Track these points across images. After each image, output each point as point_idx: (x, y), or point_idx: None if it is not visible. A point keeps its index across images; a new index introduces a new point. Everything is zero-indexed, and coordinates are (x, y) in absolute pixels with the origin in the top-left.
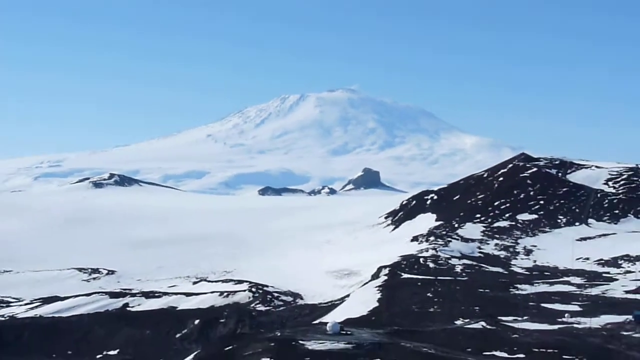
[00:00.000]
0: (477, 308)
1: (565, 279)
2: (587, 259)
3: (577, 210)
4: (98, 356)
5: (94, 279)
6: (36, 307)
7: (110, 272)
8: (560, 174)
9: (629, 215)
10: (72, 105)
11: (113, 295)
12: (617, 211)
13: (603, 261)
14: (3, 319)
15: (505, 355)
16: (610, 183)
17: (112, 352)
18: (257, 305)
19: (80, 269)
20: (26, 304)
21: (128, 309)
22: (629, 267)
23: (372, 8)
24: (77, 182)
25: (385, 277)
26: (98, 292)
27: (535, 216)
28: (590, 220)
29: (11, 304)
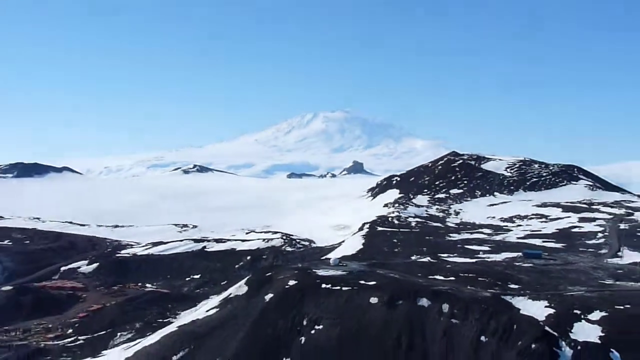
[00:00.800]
0: (424, 248)
1: (480, 230)
2: (493, 217)
3: (487, 187)
4: (187, 278)
5: (184, 230)
6: (148, 248)
7: (194, 227)
8: (476, 164)
9: (520, 190)
10: (171, 115)
11: (196, 241)
12: (512, 187)
13: (503, 219)
14: (129, 255)
15: (442, 277)
16: (508, 169)
17: (195, 276)
18: (286, 247)
19: (175, 224)
20: (142, 247)
21: (205, 249)
22: (519, 222)
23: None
24: (172, 170)
25: (367, 229)
26: (187, 239)
27: (461, 191)
28: (495, 193)
29: (133, 246)
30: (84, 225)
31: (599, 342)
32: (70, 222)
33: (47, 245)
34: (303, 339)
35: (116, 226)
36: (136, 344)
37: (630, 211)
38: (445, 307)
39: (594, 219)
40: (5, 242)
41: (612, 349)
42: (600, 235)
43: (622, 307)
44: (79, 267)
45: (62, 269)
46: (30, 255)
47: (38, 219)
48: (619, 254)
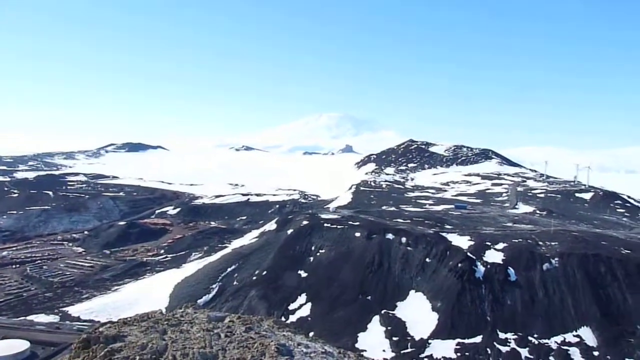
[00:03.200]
0: (391, 202)
1: (427, 190)
2: (436, 182)
3: (432, 162)
4: (237, 219)
5: (235, 188)
6: (212, 199)
7: (242, 185)
8: (426, 147)
9: (453, 164)
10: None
11: (243, 194)
12: (448, 163)
13: (442, 183)
14: (199, 203)
15: (402, 220)
16: (446, 151)
17: (242, 217)
18: (301, 199)
19: (229, 184)
20: (208, 198)
21: (249, 200)
22: (452, 186)
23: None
24: (229, 148)
25: (354, 189)
26: (237, 193)
27: (415, 164)
28: (437, 167)
29: (202, 198)
30: (170, 183)
31: (501, 262)
32: (162, 181)
33: (147, 196)
34: (312, 258)
35: (191, 184)
36: (205, 259)
37: (524, 179)
38: (404, 239)
39: (501, 184)
40: (120, 193)
41: (508, 267)
42: (504, 194)
43: (516, 241)
44: (167, 211)
45: (157, 211)
46: (136, 202)
47: (141, 179)
48: (516, 207)
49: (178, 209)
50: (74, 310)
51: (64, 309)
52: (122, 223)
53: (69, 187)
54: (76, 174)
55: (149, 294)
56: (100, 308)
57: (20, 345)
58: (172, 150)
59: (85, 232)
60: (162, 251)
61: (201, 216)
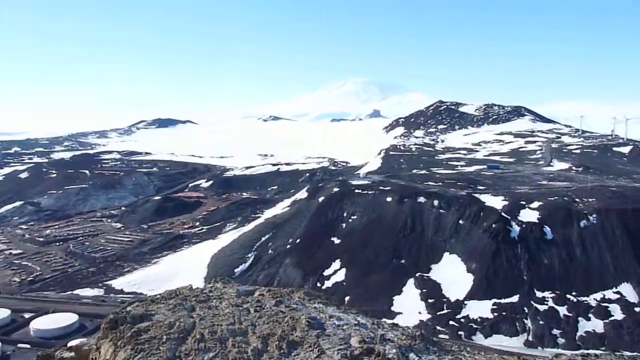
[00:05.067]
0: (421, 165)
1: (458, 152)
2: (467, 143)
3: (462, 122)
4: (268, 189)
5: (265, 158)
6: (243, 170)
7: (272, 155)
8: (455, 108)
9: (484, 124)
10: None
11: (273, 165)
12: (479, 123)
13: (474, 144)
14: (231, 175)
15: (433, 183)
16: (476, 111)
17: (273, 187)
18: (331, 167)
19: (259, 154)
20: (239, 169)
21: (279, 170)
22: (484, 146)
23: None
24: (257, 119)
25: (383, 154)
26: (267, 164)
27: (445, 126)
28: (468, 127)
29: (234, 169)
30: (201, 157)
31: (537, 221)
32: (193, 155)
33: (179, 170)
34: (344, 224)
35: (222, 157)
36: (239, 230)
37: (558, 136)
38: (436, 202)
39: (534, 142)
40: (154, 169)
41: (544, 225)
42: (538, 152)
43: (552, 199)
44: (200, 184)
45: (190, 185)
46: (170, 177)
47: (173, 153)
48: (551, 164)
49: (210, 182)
50: (117, 283)
51: (107, 282)
52: (157, 198)
53: (104, 165)
54: (110, 152)
55: (187, 265)
56: (142, 280)
57: (69, 318)
58: (201, 124)
59: (123, 208)
60: (197, 223)
61: (233, 188)
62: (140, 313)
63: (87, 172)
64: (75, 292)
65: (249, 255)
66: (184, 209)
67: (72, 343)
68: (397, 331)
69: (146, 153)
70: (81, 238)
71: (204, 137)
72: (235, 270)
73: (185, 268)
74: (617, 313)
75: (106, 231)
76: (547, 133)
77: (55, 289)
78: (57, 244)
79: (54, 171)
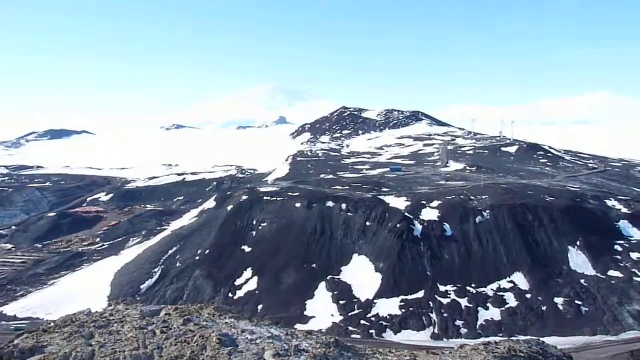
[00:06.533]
0: (328, 170)
1: (362, 155)
2: (370, 147)
3: (365, 127)
4: (174, 199)
5: (169, 168)
6: (146, 181)
7: (176, 165)
8: (358, 113)
9: (386, 128)
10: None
11: (178, 174)
12: (381, 127)
13: (376, 147)
14: (133, 187)
15: (340, 187)
16: (378, 116)
17: (179, 198)
18: (238, 174)
19: (163, 164)
20: (142, 180)
21: (185, 179)
22: (386, 149)
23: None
24: (159, 127)
25: (291, 159)
26: (172, 174)
27: (349, 131)
28: (371, 131)
29: (135, 181)
30: (100, 169)
31: (437, 219)
32: (90, 167)
33: (76, 184)
34: (254, 232)
35: (122, 168)
36: (144, 244)
37: (453, 138)
38: (344, 205)
39: (432, 144)
40: (47, 183)
41: (444, 223)
42: (435, 154)
43: (449, 197)
44: (99, 197)
45: (88, 199)
46: (65, 191)
47: (68, 166)
48: (447, 165)
49: (110, 195)
50: (9, 309)
51: None
52: (52, 214)
53: None
54: None
55: (88, 284)
56: (37, 304)
57: None
58: (98, 133)
59: (13, 227)
60: (97, 239)
61: (136, 200)
62: (30, 345)
63: None
64: None
65: (156, 269)
66: (82, 225)
67: None
68: (311, 340)
69: (38, 167)
70: None
71: (102, 147)
72: (142, 286)
73: (86, 288)
74: (511, 300)
75: None
76: (442, 136)
77: None
78: None
79: None
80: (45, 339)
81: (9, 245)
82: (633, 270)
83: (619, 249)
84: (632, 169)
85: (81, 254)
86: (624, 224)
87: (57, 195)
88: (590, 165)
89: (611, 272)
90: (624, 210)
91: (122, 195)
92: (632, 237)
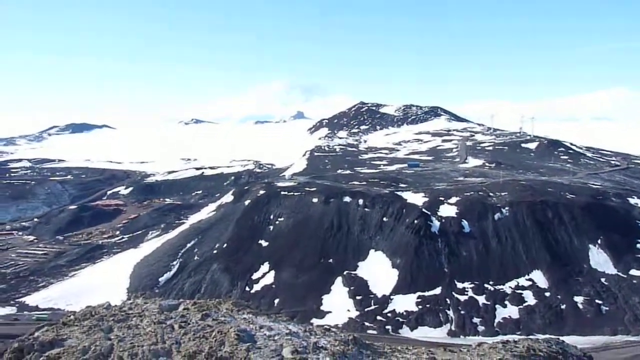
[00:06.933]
0: (345, 165)
1: (380, 151)
2: (388, 142)
3: (383, 123)
4: (192, 193)
5: (188, 162)
6: (165, 175)
7: (195, 159)
8: (376, 109)
9: (404, 124)
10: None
11: (197, 168)
12: (399, 123)
13: (394, 143)
14: (152, 181)
15: (358, 182)
16: (396, 111)
17: (198, 192)
18: (256, 169)
19: (182, 159)
20: (161, 174)
21: (203, 174)
22: (404, 145)
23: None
24: (178, 122)
25: (308, 155)
26: (190, 168)
27: (367, 126)
28: (389, 127)
29: (155, 175)
30: (120, 162)
31: (455, 216)
32: (111, 161)
33: (96, 177)
34: (271, 227)
35: (142, 162)
36: (162, 237)
37: (472, 134)
38: (361, 201)
39: (450, 140)
40: (68, 177)
41: (462, 219)
42: (454, 150)
43: (468, 194)
44: (119, 191)
45: (108, 192)
46: (86, 185)
47: (89, 160)
48: (466, 161)
49: (130, 188)
50: (31, 299)
51: (20, 299)
52: (73, 207)
53: (12, 175)
54: (19, 160)
55: (108, 276)
56: (59, 295)
57: None
58: (119, 128)
59: (35, 220)
60: (117, 232)
61: (155, 194)
62: (50, 338)
63: None
64: None
65: (174, 262)
66: (102, 217)
67: None
68: (329, 337)
69: (59, 160)
70: None
71: (122, 142)
72: (160, 279)
73: (105, 280)
74: (530, 299)
75: (17, 245)
76: (461, 132)
77: None
78: None
79: None
80: (65, 332)
81: (31, 237)
82: None
83: None
84: None
85: (101, 247)
86: None
87: (78, 189)
88: (612, 162)
89: (633, 272)
90: None
91: (141, 189)
92: None
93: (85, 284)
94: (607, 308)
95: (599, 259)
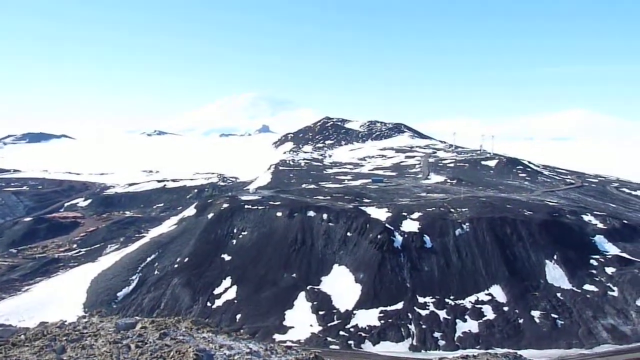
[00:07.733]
0: (310, 179)
1: (344, 166)
2: (353, 157)
3: (348, 138)
4: (154, 206)
5: (150, 174)
6: (126, 187)
7: (157, 172)
8: (341, 124)
9: (369, 140)
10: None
11: (159, 181)
12: (364, 138)
13: (359, 158)
14: (112, 193)
15: (322, 197)
16: (361, 127)
17: (159, 205)
18: (221, 182)
19: (143, 170)
20: (121, 186)
21: (165, 186)
22: (368, 160)
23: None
24: (140, 134)
25: (273, 169)
26: (152, 180)
27: (332, 141)
28: (353, 142)
29: (115, 187)
30: (79, 174)
31: (417, 231)
32: (69, 172)
33: (54, 189)
34: (234, 241)
35: (102, 173)
36: (122, 251)
37: (434, 151)
38: (325, 216)
39: (413, 157)
40: (24, 187)
41: (424, 234)
42: (417, 166)
43: (430, 210)
44: (77, 203)
45: (66, 204)
46: (42, 196)
47: (46, 171)
48: (428, 177)
49: (89, 200)
50: None
51: None
52: (28, 219)
53: None
54: None
55: (64, 291)
56: (11, 310)
57: None
58: (79, 138)
59: None
60: (74, 245)
61: (115, 206)
62: None
63: None
64: None
65: (133, 277)
66: (59, 230)
67: None
68: (290, 355)
69: (15, 170)
70: None
71: (82, 152)
72: (118, 294)
73: (61, 295)
74: (489, 313)
75: None
76: (424, 148)
77: None
78: None
79: None
80: (15, 354)
81: None
82: (608, 284)
83: (595, 263)
84: (608, 185)
85: (57, 260)
86: (599, 239)
87: (34, 200)
88: (567, 180)
89: (587, 287)
90: (600, 225)
91: (100, 201)
92: (607, 252)
93: (40, 299)
94: (562, 322)
95: (555, 274)
